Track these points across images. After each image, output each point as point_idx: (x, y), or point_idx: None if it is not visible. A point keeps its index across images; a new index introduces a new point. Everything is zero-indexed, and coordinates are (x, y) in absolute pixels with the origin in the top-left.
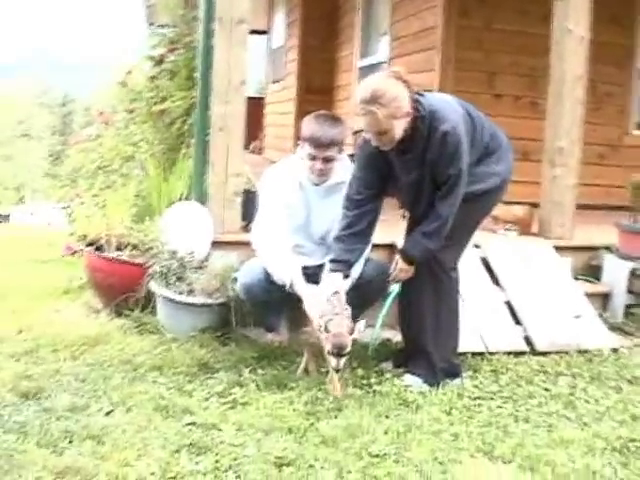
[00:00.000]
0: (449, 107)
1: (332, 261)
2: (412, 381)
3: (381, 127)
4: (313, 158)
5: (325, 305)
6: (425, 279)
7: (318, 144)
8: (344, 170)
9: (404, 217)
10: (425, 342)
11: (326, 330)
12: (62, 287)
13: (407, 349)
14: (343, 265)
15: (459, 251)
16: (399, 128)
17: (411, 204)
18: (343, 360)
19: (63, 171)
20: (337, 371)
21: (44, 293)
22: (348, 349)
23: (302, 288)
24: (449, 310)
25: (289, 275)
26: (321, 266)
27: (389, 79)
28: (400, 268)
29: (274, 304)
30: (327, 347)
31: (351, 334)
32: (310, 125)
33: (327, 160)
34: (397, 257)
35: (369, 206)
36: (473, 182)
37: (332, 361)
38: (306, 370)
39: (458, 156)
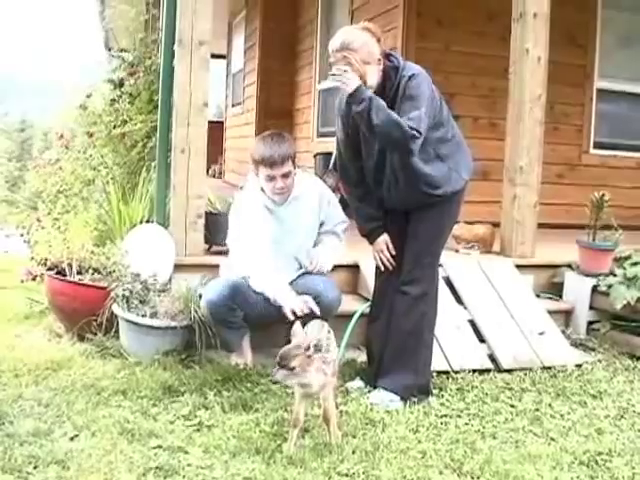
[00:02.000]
0: (421, 68)
1: (370, 219)
2: (379, 399)
3: (356, 72)
4: (272, 178)
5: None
6: (408, 296)
7: (272, 163)
8: (302, 182)
9: None
10: (407, 359)
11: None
12: (23, 312)
13: (379, 366)
14: (380, 222)
15: (437, 263)
16: (372, 75)
17: (380, 168)
18: (283, 373)
19: (21, 196)
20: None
21: (4, 318)
22: (292, 363)
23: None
24: (430, 327)
25: (279, 289)
26: (292, 282)
27: (356, 29)
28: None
29: (237, 323)
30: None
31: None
32: (259, 148)
33: (285, 176)
34: None
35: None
36: (442, 184)
37: (273, 371)
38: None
39: (418, 103)
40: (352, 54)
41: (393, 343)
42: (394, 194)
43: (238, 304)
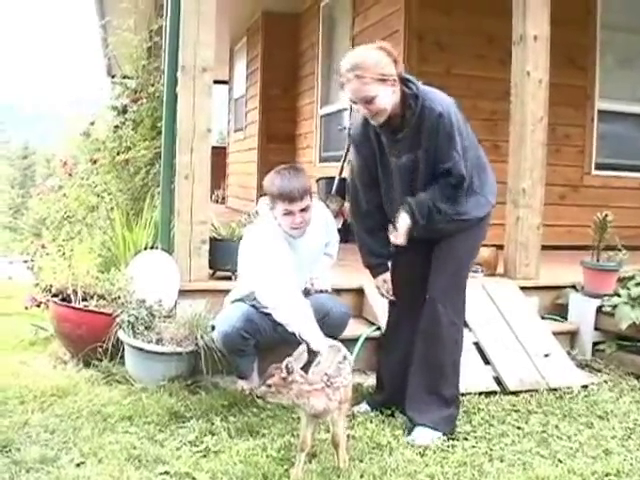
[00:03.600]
0: (438, 91)
1: (373, 255)
2: (428, 438)
3: (367, 93)
4: (290, 213)
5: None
6: (442, 323)
7: (292, 198)
8: (316, 211)
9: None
10: (449, 383)
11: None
12: (28, 339)
13: (415, 397)
14: (385, 260)
15: (465, 288)
16: (386, 96)
17: (399, 189)
18: (262, 389)
19: (24, 223)
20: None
21: (9, 345)
22: (268, 381)
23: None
24: (460, 354)
25: (309, 329)
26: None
27: (369, 49)
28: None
29: (249, 352)
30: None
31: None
32: (276, 183)
33: (304, 210)
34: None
35: (374, 199)
36: (471, 210)
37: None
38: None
39: (453, 143)
40: (362, 73)
41: (430, 374)
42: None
43: (250, 333)
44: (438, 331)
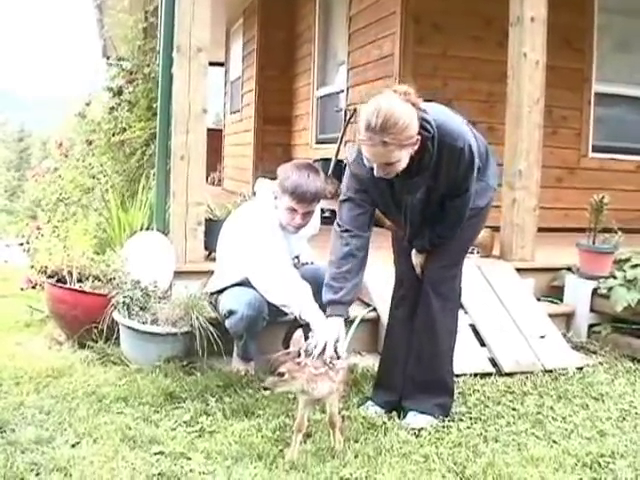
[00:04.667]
0: (454, 120)
1: (333, 302)
2: (424, 422)
3: (389, 160)
4: (293, 211)
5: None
6: (439, 307)
7: (302, 199)
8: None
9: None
10: (442, 373)
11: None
12: (23, 320)
13: (409, 384)
14: (345, 307)
15: (461, 270)
16: (406, 157)
17: (414, 224)
18: (274, 379)
19: (20, 206)
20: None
21: (5, 327)
22: (281, 369)
23: (317, 319)
24: (454, 343)
25: (305, 305)
26: None
27: (401, 104)
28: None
29: (258, 334)
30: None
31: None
32: (293, 177)
33: (307, 214)
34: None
35: (367, 234)
36: (476, 199)
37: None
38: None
39: (472, 171)
40: (392, 140)
41: (424, 362)
42: (428, 232)
43: (268, 315)
44: (433, 321)
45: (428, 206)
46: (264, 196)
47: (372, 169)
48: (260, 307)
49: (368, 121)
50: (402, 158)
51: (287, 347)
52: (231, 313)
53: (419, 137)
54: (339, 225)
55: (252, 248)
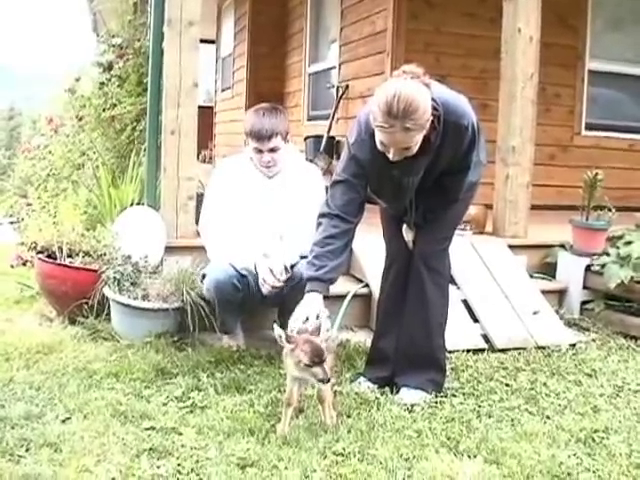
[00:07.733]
0: (459, 98)
1: (313, 279)
2: (417, 397)
3: (408, 144)
4: (259, 151)
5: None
6: (430, 280)
7: (260, 137)
8: (293, 159)
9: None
10: (434, 348)
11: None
12: (13, 297)
13: (401, 360)
14: (325, 285)
15: (450, 244)
16: (420, 140)
17: (408, 201)
18: (326, 367)
19: (10, 185)
20: (326, 381)
21: None
22: (324, 356)
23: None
24: (447, 310)
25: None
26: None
27: (418, 87)
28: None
29: (236, 305)
30: (304, 359)
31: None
32: (250, 119)
33: (272, 151)
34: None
35: (355, 220)
36: (469, 175)
37: (318, 373)
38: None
39: (474, 148)
40: (413, 126)
41: (416, 338)
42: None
43: (241, 284)
44: (424, 294)
45: (424, 183)
46: (240, 154)
47: (374, 150)
48: (230, 272)
49: (389, 107)
50: (419, 141)
51: (281, 325)
52: (203, 277)
53: (431, 118)
54: (329, 206)
55: (211, 189)
